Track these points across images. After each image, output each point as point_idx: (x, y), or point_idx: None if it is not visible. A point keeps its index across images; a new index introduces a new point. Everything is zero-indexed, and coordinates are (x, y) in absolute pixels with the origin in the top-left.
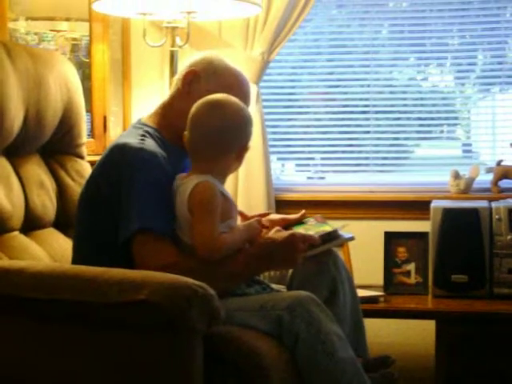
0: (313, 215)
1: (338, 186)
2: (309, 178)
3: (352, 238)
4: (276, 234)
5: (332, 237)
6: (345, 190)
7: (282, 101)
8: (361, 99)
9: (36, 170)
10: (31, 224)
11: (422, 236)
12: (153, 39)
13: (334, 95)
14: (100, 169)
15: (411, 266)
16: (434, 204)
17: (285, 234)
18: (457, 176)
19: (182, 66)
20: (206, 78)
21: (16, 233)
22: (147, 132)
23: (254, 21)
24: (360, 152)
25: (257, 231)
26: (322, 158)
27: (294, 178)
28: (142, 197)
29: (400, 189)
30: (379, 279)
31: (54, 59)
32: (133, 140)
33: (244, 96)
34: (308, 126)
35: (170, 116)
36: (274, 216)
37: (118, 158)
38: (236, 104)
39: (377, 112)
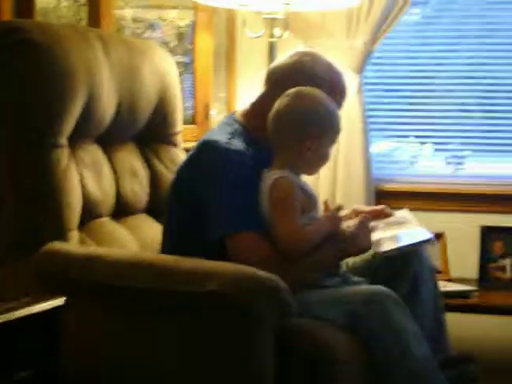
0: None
1: (439, 178)
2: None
3: (430, 242)
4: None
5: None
6: (444, 183)
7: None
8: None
9: (128, 158)
10: (122, 211)
11: None
12: (255, 29)
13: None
14: (188, 164)
15: (508, 262)
16: None
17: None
18: None
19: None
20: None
21: (106, 219)
22: (237, 130)
23: (358, 10)
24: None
25: (338, 221)
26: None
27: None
28: (231, 197)
29: (502, 182)
30: (475, 273)
31: (149, 49)
32: (221, 138)
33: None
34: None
35: (261, 115)
36: (360, 208)
37: (206, 156)
38: (313, 94)
39: None
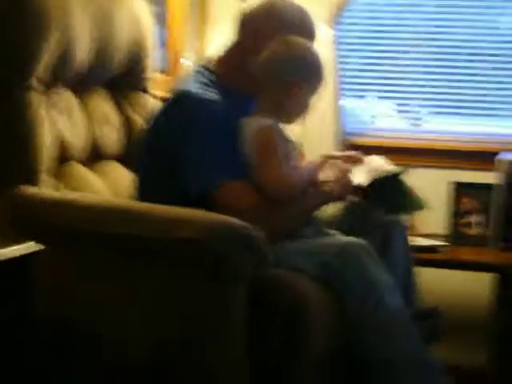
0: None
1: (408, 133)
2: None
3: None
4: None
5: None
6: (414, 138)
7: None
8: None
9: (101, 104)
10: (94, 156)
11: (490, 187)
12: None
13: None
14: (163, 115)
15: (477, 217)
16: (502, 155)
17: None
18: None
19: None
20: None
21: (78, 164)
22: (210, 79)
23: None
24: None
25: (320, 168)
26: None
27: (392, 119)
28: (210, 148)
29: (472, 138)
30: (444, 229)
31: None
32: (196, 89)
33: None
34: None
35: (233, 61)
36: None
37: (181, 107)
38: (299, 42)
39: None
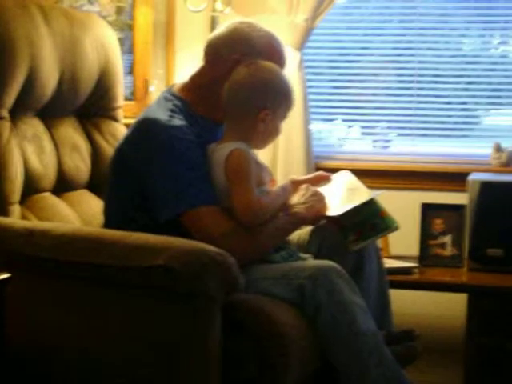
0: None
1: (378, 155)
2: (374, 143)
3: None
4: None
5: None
6: (384, 160)
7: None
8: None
9: (70, 132)
10: (63, 185)
11: (459, 208)
12: (197, 3)
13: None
14: (129, 143)
15: (447, 238)
16: (472, 176)
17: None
18: (499, 149)
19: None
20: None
21: (47, 194)
22: (177, 106)
23: None
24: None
25: (289, 194)
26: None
27: (359, 143)
28: (179, 174)
29: (441, 160)
30: (415, 250)
31: (91, 22)
32: (161, 116)
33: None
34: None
35: (200, 87)
36: (298, 177)
37: (147, 135)
38: (269, 66)
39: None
